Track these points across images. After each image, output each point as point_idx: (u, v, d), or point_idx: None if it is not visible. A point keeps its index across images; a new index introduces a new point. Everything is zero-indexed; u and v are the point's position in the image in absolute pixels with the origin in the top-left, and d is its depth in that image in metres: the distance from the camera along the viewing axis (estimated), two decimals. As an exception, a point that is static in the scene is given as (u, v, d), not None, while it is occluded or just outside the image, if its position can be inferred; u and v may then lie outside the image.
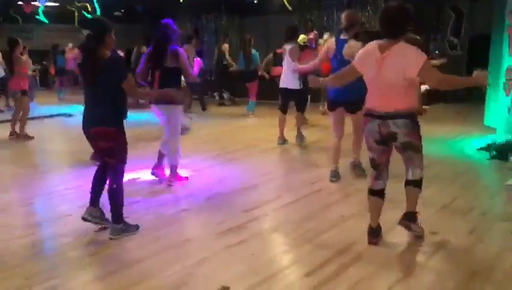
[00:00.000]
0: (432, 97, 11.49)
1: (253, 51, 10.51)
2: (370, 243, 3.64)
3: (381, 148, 3.52)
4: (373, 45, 3.47)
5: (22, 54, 8.35)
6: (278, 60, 10.69)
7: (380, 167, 3.60)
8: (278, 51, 11.00)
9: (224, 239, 3.80)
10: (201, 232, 4.02)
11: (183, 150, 5.49)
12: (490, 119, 7.58)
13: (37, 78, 13.01)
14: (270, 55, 10.81)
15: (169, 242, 3.77)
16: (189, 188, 5.21)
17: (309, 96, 10.14)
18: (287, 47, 7.21)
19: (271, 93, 11.28)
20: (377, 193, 3.63)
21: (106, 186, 3.97)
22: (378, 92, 3.44)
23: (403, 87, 3.34)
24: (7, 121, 8.80)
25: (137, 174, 5.59)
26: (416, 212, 3.66)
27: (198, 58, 8.07)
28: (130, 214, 4.31)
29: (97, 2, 11.06)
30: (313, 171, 5.87)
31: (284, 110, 7.46)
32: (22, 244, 3.76)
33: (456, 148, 7.09)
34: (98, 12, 11.13)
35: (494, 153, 6.33)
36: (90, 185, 4.03)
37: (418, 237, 3.72)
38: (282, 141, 7.44)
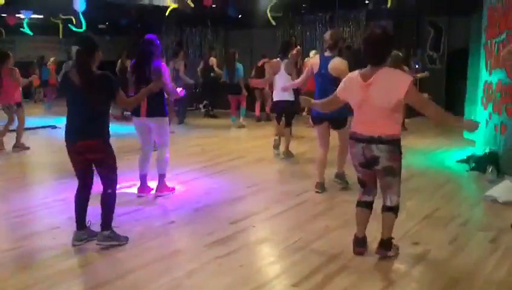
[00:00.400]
0: (412, 109, 11.80)
1: (238, 65, 10.72)
2: (355, 252, 3.74)
3: (365, 171, 3.62)
4: (355, 74, 3.58)
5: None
6: (258, 73, 10.98)
7: (367, 186, 3.71)
8: (259, 63, 11.26)
9: (212, 250, 3.86)
10: (190, 244, 4.08)
11: (171, 161, 5.56)
12: (469, 132, 7.80)
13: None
14: (253, 73, 11.12)
15: (158, 254, 3.82)
16: (177, 200, 5.26)
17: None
18: (282, 61, 7.37)
19: (249, 105, 11.47)
20: (365, 205, 3.74)
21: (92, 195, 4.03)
22: (363, 117, 3.51)
23: (389, 112, 3.41)
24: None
25: (124, 186, 5.61)
26: (391, 238, 3.66)
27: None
28: (118, 226, 4.35)
29: (82, 15, 11.07)
30: (299, 182, 5.97)
31: (280, 121, 7.61)
32: (12, 257, 3.78)
33: (436, 161, 7.28)
34: (84, 25, 11.14)
35: (473, 165, 6.52)
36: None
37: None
38: (278, 148, 7.64)
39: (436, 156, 7.61)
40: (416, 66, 13.29)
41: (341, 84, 3.71)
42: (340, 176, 5.62)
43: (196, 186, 5.83)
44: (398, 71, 3.56)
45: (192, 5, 9.48)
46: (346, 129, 5.24)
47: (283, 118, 7.50)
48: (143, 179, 5.40)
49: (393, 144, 3.46)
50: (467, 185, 6.18)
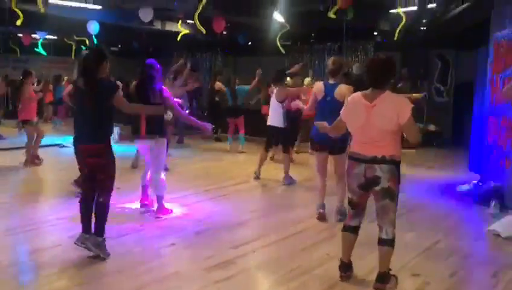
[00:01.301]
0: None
1: (241, 87, 10.93)
2: (342, 278, 3.76)
3: (362, 193, 3.65)
4: (358, 95, 3.65)
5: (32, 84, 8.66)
6: (267, 100, 11.10)
7: (358, 208, 3.73)
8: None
9: (212, 274, 3.87)
10: (190, 267, 4.08)
11: (175, 184, 5.61)
12: (474, 166, 7.80)
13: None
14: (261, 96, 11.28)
15: (158, 275, 3.83)
16: (179, 222, 5.28)
17: (298, 135, 10.44)
18: (275, 88, 7.63)
19: (261, 130, 11.57)
20: (352, 229, 3.76)
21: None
22: (365, 138, 3.55)
23: (390, 133, 3.47)
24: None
25: (125, 207, 5.67)
26: (389, 270, 3.64)
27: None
28: (119, 247, 4.39)
29: (95, 37, 11.33)
30: (301, 210, 5.97)
31: (267, 147, 7.84)
32: (12, 274, 3.80)
33: (439, 193, 7.26)
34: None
35: (477, 198, 6.50)
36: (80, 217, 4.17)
37: None
38: (258, 174, 7.78)
39: (440, 188, 7.59)
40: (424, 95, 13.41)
41: (344, 107, 3.75)
42: (340, 212, 5.43)
43: (198, 209, 5.85)
44: (401, 96, 3.61)
45: (204, 31, 9.65)
46: (345, 156, 5.29)
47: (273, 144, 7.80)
48: (144, 189, 5.64)
49: (395, 164, 3.50)
50: (470, 218, 6.15)
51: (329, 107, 5.23)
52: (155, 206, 5.51)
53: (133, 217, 5.39)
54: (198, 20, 9.00)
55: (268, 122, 7.67)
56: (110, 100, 4.02)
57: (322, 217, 5.45)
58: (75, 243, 4.09)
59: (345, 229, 3.79)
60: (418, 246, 4.67)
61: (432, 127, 13.50)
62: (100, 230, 4.08)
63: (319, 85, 5.51)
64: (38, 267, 3.96)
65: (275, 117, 7.52)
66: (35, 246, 4.45)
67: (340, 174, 5.34)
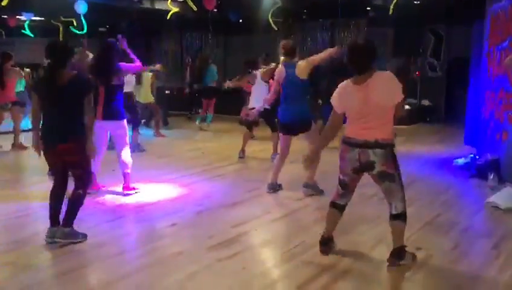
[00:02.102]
0: (412, 117, 11.82)
1: (211, 67, 10.87)
2: (321, 251, 3.77)
3: (355, 176, 3.65)
4: (346, 82, 3.59)
5: (13, 66, 8.39)
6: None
7: (348, 189, 3.71)
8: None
9: (214, 253, 3.84)
10: (192, 246, 4.05)
11: (170, 165, 5.56)
12: (470, 139, 7.81)
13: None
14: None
15: (161, 255, 3.80)
16: (178, 203, 5.25)
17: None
18: (258, 72, 7.70)
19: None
20: (339, 207, 3.76)
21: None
22: (360, 121, 3.49)
23: (387, 113, 3.44)
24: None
25: (119, 190, 5.59)
26: (404, 247, 3.61)
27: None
28: (118, 229, 4.35)
29: (84, 17, 11.10)
30: (300, 187, 5.94)
31: (251, 127, 7.96)
32: (8, 259, 3.74)
33: (436, 167, 7.27)
34: (85, 28, 11.17)
35: (474, 172, 6.52)
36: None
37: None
38: (243, 154, 7.77)
39: (436, 163, 7.61)
40: (416, 74, 13.39)
41: (334, 98, 3.65)
42: (313, 186, 5.56)
43: (197, 190, 5.81)
44: (393, 77, 3.49)
45: (195, 8, 9.48)
46: (314, 131, 5.46)
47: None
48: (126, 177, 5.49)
49: (388, 149, 3.47)
50: (468, 192, 6.17)
51: (291, 84, 5.39)
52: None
53: (130, 199, 5.33)
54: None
55: (251, 105, 7.63)
56: (82, 99, 3.91)
57: (271, 189, 5.60)
58: (46, 241, 3.93)
59: (332, 205, 3.78)
60: (418, 220, 4.66)
61: (425, 102, 13.52)
62: (69, 221, 3.96)
63: (280, 69, 5.58)
64: (37, 251, 3.89)
65: (259, 99, 7.36)
66: (34, 230, 4.37)
67: (314, 151, 5.28)
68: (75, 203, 3.99)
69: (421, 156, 7.93)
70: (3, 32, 15.24)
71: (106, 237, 4.18)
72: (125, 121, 5.39)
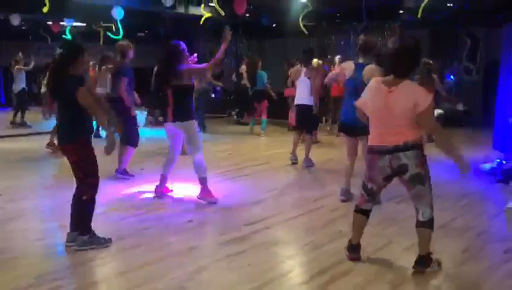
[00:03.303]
0: (447, 121, 11.60)
1: (261, 72, 10.87)
2: (350, 259, 3.74)
3: (385, 183, 3.60)
4: (377, 80, 3.56)
5: None
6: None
7: (374, 195, 3.70)
8: (289, 72, 11.37)
9: (225, 249, 4.01)
10: (205, 242, 4.24)
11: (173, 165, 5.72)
12: (498, 144, 7.65)
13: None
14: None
15: (175, 249, 4.01)
16: (198, 201, 5.43)
17: (324, 117, 10.46)
18: (304, 68, 7.52)
19: (282, 113, 11.66)
20: (364, 212, 3.72)
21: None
22: (384, 127, 3.44)
23: (408, 120, 3.37)
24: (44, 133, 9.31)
25: (147, 187, 5.86)
26: (430, 253, 3.56)
27: None
28: (138, 224, 4.59)
29: (120, 23, 11.54)
30: (318, 189, 6.04)
31: (299, 129, 7.69)
32: (34, 247, 4.07)
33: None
34: (121, 32, 11.61)
35: (500, 177, 6.40)
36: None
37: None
38: (295, 158, 7.58)
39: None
40: (449, 79, 13.12)
41: (362, 96, 3.65)
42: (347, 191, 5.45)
43: (218, 189, 5.94)
44: (421, 87, 3.46)
45: (223, 13, 9.70)
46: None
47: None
48: (162, 179, 5.53)
49: (419, 149, 3.41)
50: (490, 196, 6.07)
51: (354, 86, 5.11)
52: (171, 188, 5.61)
53: (149, 198, 5.55)
54: (218, 3, 9.04)
55: (297, 102, 7.55)
56: (71, 98, 3.75)
57: (345, 196, 5.40)
58: (67, 246, 3.96)
59: (357, 211, 3.74)
60: (435, 222, 4.65)
61: (460, 107, 13.23)
62: (83, 228, 3.89)
63: (350, 64, 5.35)
64: (60, 242, 4.14)
65: (304, 96, 7.36)
66: (59, 223, 4.65)
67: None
68: (81, 210, 3.89)
69: (450, 161, 7.79)
70: (48, 38, 15.99)
71: (127, 231, 4.42)
72: (195, 122, 5.32)
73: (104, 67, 8.97)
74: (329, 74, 5.90)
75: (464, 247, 4.11)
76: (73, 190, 4.01)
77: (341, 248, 3.99)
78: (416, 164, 3.39)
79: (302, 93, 7.42)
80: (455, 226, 4.69)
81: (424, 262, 3.54)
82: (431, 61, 9.76)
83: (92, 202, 3.93)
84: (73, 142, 3.87)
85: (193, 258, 3.86)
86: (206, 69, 5.52)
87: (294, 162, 7.55)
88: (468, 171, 3.54)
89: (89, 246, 3.91)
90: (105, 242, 4.00)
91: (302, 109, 7.44)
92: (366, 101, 3.58)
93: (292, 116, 11.46)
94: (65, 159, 4.01)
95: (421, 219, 3.49)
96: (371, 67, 5.10)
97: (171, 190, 5.66)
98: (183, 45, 5.22)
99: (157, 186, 5.55)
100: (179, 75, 5.11)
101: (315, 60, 10.14)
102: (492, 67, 12.36)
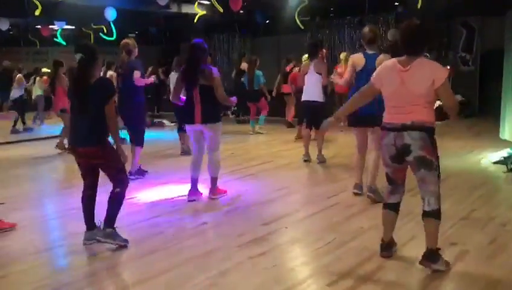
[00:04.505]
0: (442, 113, 11.56)
1: (257, 72, 10.72)
2: (382, 256, 3.64)
3: (396, 166, 3.50)
4: (392, 60, 3.51)
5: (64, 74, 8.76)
6: (286, 79, 10.94)
7: (395, 183, 3.57)
8: (287, 68, 11.25)
9: (245, 251, 3.85)
10: (223, 244, 4.07)
11: (202, 165, 5.57)
12: (506, 133, 7.59)
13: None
14: (279, 77, 11.10)
15: (193, 253, 3.83)
16: (208, 202, 5.29)
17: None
18: (312, 62, 7.29)
19: (281, 110, 11.55)
20: (391, 207, 3.60)
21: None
22: (397, 105, 3.42)
23: (423, 99, 3.31)
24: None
25: (156, 190, 5.69)
26: (438, 249, 3.42)
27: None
28: (151, 229, 4.42)
29: (113, 24, 11.34)
30: (330, 185, 5.92)
31: (308, 125, 7.45)
32: (50, 257, 3.88)
33: (472, 162, 7.09)
34: (115, 34, 11.40)
35: (511, 166, 6.33)
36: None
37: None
38: (308, 157, 7.39)
39: (472, 157, 7.42)
40: (447, 67, 13.06)
41: (376, 73, 3.58)
42: (374, 191, 5.15)
43: (226, 189, 5.83)
44: (435, 62, 3.44)
45: (222, 10, 9.55)
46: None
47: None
48: (194, 183, 5.38)
49: (426, 131, 3.32)
50: (505, 186, 5.99)
51: (369, 77, 4.94)
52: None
53: (165, 199, 5.42)
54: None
55: (304, 98, 7.32)
56: (103, 104, 3.81)
57: (359, 190, 5.29)
58: (84, 244, 3.98)
59: (385, 207, 3.64)
60: (453, 215, 4.56)
61: (458, 97, 13.19)
62: (111, 221, 3.94)
63: (359, 56, 5.19)
64: (77, 251, 3.96)
65: (313, 92, 7.16)
66: (69, 231, 4.48)
67: (376, 147, 5.04)
68: (114, 203, 3.97)
69: (455, 152, 7.74)
70: (37, 42, 15.70)
71: (140, 235, 4.25)
72: (220, 124, 5.24)
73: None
74: (344, 79, 5.45)
75: (490, 239, 4.00)
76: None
77: (365, 245, 3.89)
78: (420, 146, 3.30)
79: (310, 89, 7.21)
80: (476, 217, 4.59)
81: (431, 257, 3.39)
82: (427, 54, 9.73)
83: (123, 196, 4.02)
84: (100, 144, 3.87)
85: (214, 261, 3.69)
86: (224, 98, 5.21)
87: (307, 160, 7.35)
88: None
89: (109, 240, 3.92)
90: (122, 241, 3.98)
91: (311, 105, 7.23)
92: (381, 78, 3.52)
93: (291, 112, 11.42)
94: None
95: (426, 208, 3.37)
96: (385, 56, 4.94)
97: (201, 193, 5.49)
98: (205, 44, 5.15)
99: (190, 190, 5.40)
100: (208, 75, 4.98)
101: (343, 54, 10.09)
102: (489, 57, 12.37)
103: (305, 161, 7.36)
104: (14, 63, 12.51)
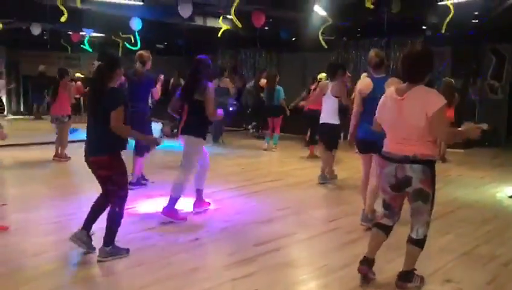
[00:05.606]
0: (469, 140, 11.21)
1: (278, 87, 10.65)
2: (360, 270, 3.57)
3: (394, 194, 3.45)
4: (391, 89, 3.47)
5: (72, 81, 8.97)
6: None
7: (391, 210, 3.52)
8: (312, 87, 11.14)
9: (231, 271, 3.77)
10: (210, 263, 4.01)
11: (208, 180, 5.53)
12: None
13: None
14: (304, 93, 10.97)
15: (177, 270, 3.78)
16: (206, 218, 5.23)
17: (342, 133, 10.12)
18: (330, 84, 7.16)
19: (297, 128, 11.43)
20: (382, 228, 3.56)
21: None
22: (397, 136, 3.36)
23: (422, 131, 3.24)
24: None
25: (154, 202, 5.67)
26: (414, 270, 3.48)
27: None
28: (143, 241, 4.38)
29: (138, 35, 11.55)
30: (334, 208, 5.78)
31: (328, 147, 7.27)
32: (40, 261, 3.88)
33: (487, 195, 6.81)
34: (139, 44, 11.58)
35: (527, 201, 6.05)
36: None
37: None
38: (324, 179, 7.22)
39: (488, 189, 7.13)
40: (473, 98, 12.74)
41: (377, 108, 3.56)
42: (369, 219, 4.92)
43: (228, 205, 5.77)
44: (434, 91, 3.34)
45: (240, 25, 9.57)
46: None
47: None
48: (198, 193, 5.38)
49: (427, 165, 3.29)
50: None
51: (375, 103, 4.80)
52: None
53: (159, 212, 5.35)
54: (236, 15, 8.93)
55: (322, 120, 7.18)
56: (108, 112, 3.78)
57: (366, 221, 4.95)
58: (71, 239, 3.97)
59: (376, 225, 3.63)
60: (455, 249, 4.37)
61: (484, 126, 12.77)
62: (107, 239, 3.91)
63: (366, 82, 4.97)
64: (66, 257, 3.98)
65: (329, 114, 7.05)
66: (62, 237, 4.48)
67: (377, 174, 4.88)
68: (112, 222, 3.92)
69: (471, 182, 7.45)
70: (69, 48, 16.10)
71: (131, 247, 4.16)
72: (199, 140, 5.08)
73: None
74: (354, 113, 5.15)
75: (489, 278, 3.79)
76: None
77: (355, 275, 3.72)
78: (420, 180, 3.27)
79: (326, 111, 7.12)
80: (478, 254, 4.37)
81: (407, 277, 3.46)
82: (452, 80, 9.53)
83: (122, 215, 3.99)
84: (107, 154, 3.88)
85: (196, 280, 3.62)
86: (213, 114, 5.13)
87: (331, 179, 7.21)
88: (477, 132, 3.45)
89: (112, 257, 3.89)
90: (125, 252, 3.99)
91: (326, 128, 7.14)
92: (380, 110, 3.51)
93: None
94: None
95: (414, 236, 3.40)
96: (393, 80, 4.71)
97: (209, 203, 5.50)
98: (209, 60, 5.18)
99: (195, 202, 5.39)
100: (202, 90, 4.97)
101: (363, 75, 9.82)
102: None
103: (320, 183, 7.16)
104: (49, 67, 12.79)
